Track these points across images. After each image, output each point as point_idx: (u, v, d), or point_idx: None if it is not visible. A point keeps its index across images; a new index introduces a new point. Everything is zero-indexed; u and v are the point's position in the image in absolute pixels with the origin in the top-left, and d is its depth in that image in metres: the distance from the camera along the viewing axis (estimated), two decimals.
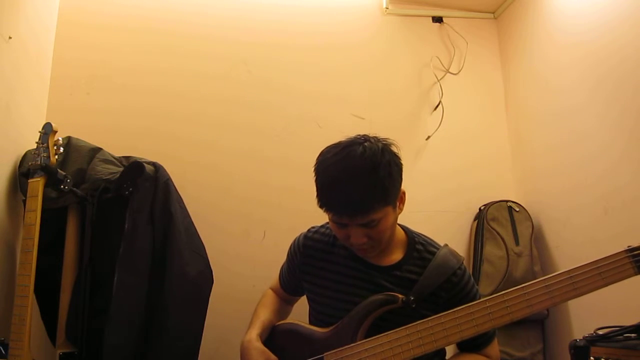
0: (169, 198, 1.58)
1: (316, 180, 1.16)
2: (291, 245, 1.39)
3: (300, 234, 1.39)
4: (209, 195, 2.00)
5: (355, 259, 1.25)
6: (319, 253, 1.31)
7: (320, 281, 1.29)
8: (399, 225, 1.28)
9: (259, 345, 1.24)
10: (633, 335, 1.09)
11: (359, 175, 1.09)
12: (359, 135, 1.18)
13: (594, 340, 1.11)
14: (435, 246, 1.26)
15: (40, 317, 1.60)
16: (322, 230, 1.34)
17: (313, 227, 1.37)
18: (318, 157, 1.18)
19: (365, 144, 1.13)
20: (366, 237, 1.13)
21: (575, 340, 1.10)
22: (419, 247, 1.25)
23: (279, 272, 1.48)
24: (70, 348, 1.48)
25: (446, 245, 1.27)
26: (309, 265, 1.32)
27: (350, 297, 1.20)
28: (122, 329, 1.43)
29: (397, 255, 1.24)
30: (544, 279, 1.02)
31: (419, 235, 1.29)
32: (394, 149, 1.17)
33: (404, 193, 1.19)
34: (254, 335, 1.26)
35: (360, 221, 1.10)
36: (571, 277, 1.00)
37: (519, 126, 2.32)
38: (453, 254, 1.25)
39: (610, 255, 0.98)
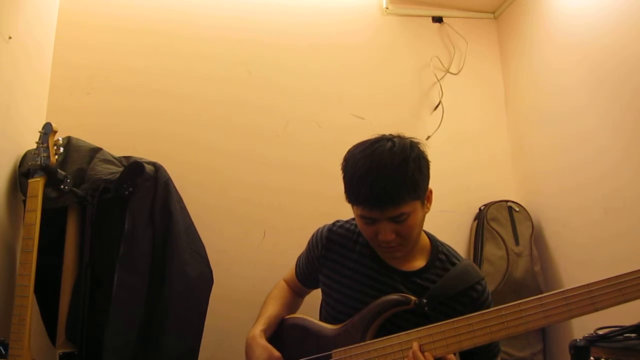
0: (169, 198, 1.58)
1: (344, 177, 1.16)
2: (313, 236, 1.38)
3: (324, 226, 1.37)
4: (209, 195, 1.99)
5: (376, 260, 1.24)
6: (340, 248, 1.30)
7: (337, 276, 1.28)
8: (424, 231, 1.28)
9: (262, 341, 1.24)
10: (633, 335, 1.09)
11: (390, 167, 1.09)
12: (385, 134, 1.19)
13: (594, 340, 1.11)
14: (458, 258, 1.26)
15: (40, 317, 1.60)
16: (347, 225, 1.34)
17: (339, 221, 1.36)
18: (345, 155, 1.19)
19: (394, 139, 1.15)
20: (395, 233, 1.12)
21: (575, 340, 1.10)
22: (442, 257, 1.24)
23: (296, 261, 1.47)
24: (70, 348, 1.48)
25: (468, 259, 1.27)
26: (328, 259, 1.31)
27: (364, 296, 1.20)
28: (122, 329, 1.43)
29: (419, 262, 1.23)
30: (562, 291, 0.99)
31: (443, 244, 1.29)
32: (421, 146, 1.19)
33: (431, 192, 1.20)
34: (257, 332, 1.26)
35: (391, 213, 1.10)
36: (590, 291, 0.96)
37: (519, 126, 2.32)
38: (474, 267, 1.25)
39: (632, 272, 0.95)
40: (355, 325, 1.17)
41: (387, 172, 1.09)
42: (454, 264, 1.23)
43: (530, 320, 1.01)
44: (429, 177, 1.18)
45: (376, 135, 1.18)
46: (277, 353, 1.22)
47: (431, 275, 1.21)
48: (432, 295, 1.16)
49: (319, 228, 1.38)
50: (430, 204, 1.21)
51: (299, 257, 1.45)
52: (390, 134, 1.19)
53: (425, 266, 1.22)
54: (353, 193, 1.13)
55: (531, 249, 2.08)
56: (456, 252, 1.29)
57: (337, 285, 1.27)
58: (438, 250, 1.26)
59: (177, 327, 1.51)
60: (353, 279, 1.25)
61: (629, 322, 1.12)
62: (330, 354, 1.17)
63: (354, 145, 1.19)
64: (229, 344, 1.85)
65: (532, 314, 1.01)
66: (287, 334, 1.26)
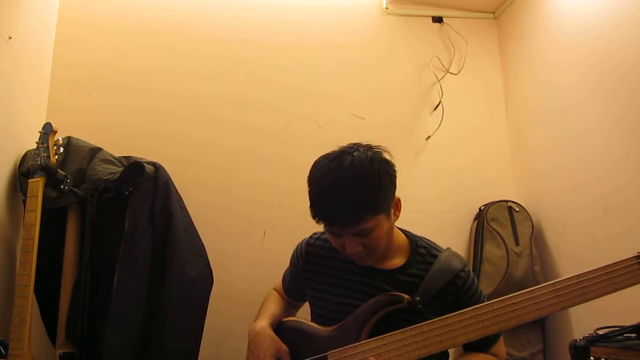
0: (169, 198, 1.58)
1: (309, 192, 1.16)
2: (294, 251, 1.39)
3: (303, 240, 1.39)
4: (209, 195, 2.00)
5: (356, 264, 1.24)
6: (321, 259, 1.31)
7: (322, 286, 1.29)
8: (400, 229, 1.28)
9: (271, 333, 1.25)
10: (633, 335, 1.09)
11: (347, 186, 1.09)
12: (351, 143, 1.18)
13: (594, 340, 1.12)
14: (438, 249, 1.26)
15: (40, 317, 1.60)
16: (324, 236, 1.34)
17: (315, 233, 1.37)
18: (311, 167, 1.19)
19: (355, 153, 1.13)
20: (361, 245, 1.13)
21: (575, 340, 1.10)
22: (422, 251, 1.24)
23: (282, 276, 1.47)
24: (70, 348, 1.48)
25: (449, 248, 1.27)
26: (311, 272, 1.32)
27: (352, 300, 1.20)
28: (122, 329, 1.43)
29: (399, 260, 1.24)
30: (553, 283, 1.01)
31: (421, 239, 1.29)
32: (385, 156, 1.17)
33: (398, 200, 1.19)
34: (266, 324, 1.27)
35: (351, 231, 1.11)
36: (580, 281, 0.98)
37: (519, 126, 2.32)
38: (456, 255, 1.25)
39: (620, 261, 0.97)
40: (349, 325, 1.18)
41: (344, 192, 1.08)
42: (435, 256, 1.23)
43: (522, 313, 1.02)
44: (393, 189, 1.16)
45: (341, 147, 1.17)
46: (285, 347, 1.22)
47: (414, 270, 1.21)
48: (423, 291, 1.16)
49: (299, 243, 1.39)
50: (399, 211, 1.20)
51: (285, 272, 1.45)
52: (354, 145, 1.17)
53: (406, 262, 1.23)
54: (314, 210, 1.14)
55: (531, 249, 2.08)
56: (435, 244, 1.28)
57: (323, 294, 1.28)
58: (417, 245, 1.25)
59: (177, 327, 1.51)
60: (338, 286, 1.25)
61: (629, 322, 1.12)
62: (326, 355, 1.17)
63: (318, 159, 1.19)
64: (229, 343, 1.86)
65: (523, 307, 1.02)
66: (283, 336, 1.26)
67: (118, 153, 1.73)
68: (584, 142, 1.86)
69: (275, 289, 1.50)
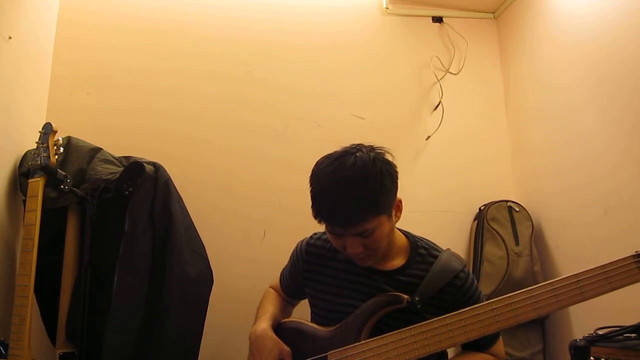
0: (169, 198, 1.58)
1: (310, 191, 1.17)
2: (294, 251, 1.40)
3: (303, 240, 1.39)
4: (209, 195, 2.00)
5: (356, 265, 1.25)
6: (321, 259, 1.31)
7: (322, 286, 1.29)
8: (400, 230, 1.28)
9: (273, 335, 1.25)
10: (633, 335, 1.09)
11: (349, 186, 1.09)
12: (353, 144, 1.18)
13: (594, 340, 1.11)
14: (438, 250, 1.26)
15: (40, 317, 1.60)
16: (325, 237, 1.34)
17: (316, 234, 1.38)
18: (313, 167, 1.19)
19: (357, 154, 1.13)
20: (362, 246, 1.14)
21: (575, 340, 1.10)
22: (422, 252, 1.25)
23: (279, 274, 1.47)
24: (70, 348, 1.48)
25: (449, 249, 1.27)
26: (311, 272, 1.32)
27: (352, 301, 1.21)
28: (122, 330, 1.43)
29: (399, 261, 1.24)
30: (551, 282, 1.01)
31: (421, 239, 1.29)
32: (387, 157, 1.17)
33: (400, 201, 1.19)
34: (267, 326, 1.27)
35: (353, 231, 1.11)
36: (578, 280, 0.99)
37: (519, 126, 2.32)
38: (456, 256, 1.25)
39: (618, 260, 0.97)
40: (349, 325, 1.18)
41: (346, 192, 1.09)
42: (435, 256, 1.23)
43: (520, 312, 1.03)
44: (395, 189, 1.17)
45: (343, 147, 1.18)
46: (287, 348, 1.23)
47: (414, 270, 1.22)
48: (422, 291, 1.17)
49: (299, 242, 1.40)
50: (401, 212, 1.21)
51: (283, 271, 1.46)
52: (357, 145, 1.17)
53: (406, 262, 1.23)
54: (315, 210, 1.14)
55: (531, 249, 2.09)
56: (435, 244, 1.29)
57: (323, 294, 1.28)
58: (417, 246, 1.26)
59: (176, 327, 1.51)
60: (338, 286, 1.26)
61: (629, 322, 1.12)
62: (326, 355, 1.18)
63: (321, 159, 1.19)
64: (229, 342, 1.86)
65: (522, 306, 1.03)
66: (283, 337, 1.26)
67: (118, 153, 1.73)
68: (584, 142, 1.86)
69: (272, 287, 1.50)
